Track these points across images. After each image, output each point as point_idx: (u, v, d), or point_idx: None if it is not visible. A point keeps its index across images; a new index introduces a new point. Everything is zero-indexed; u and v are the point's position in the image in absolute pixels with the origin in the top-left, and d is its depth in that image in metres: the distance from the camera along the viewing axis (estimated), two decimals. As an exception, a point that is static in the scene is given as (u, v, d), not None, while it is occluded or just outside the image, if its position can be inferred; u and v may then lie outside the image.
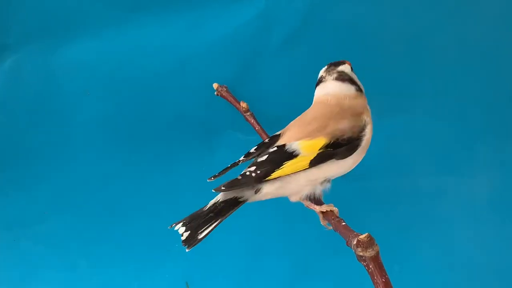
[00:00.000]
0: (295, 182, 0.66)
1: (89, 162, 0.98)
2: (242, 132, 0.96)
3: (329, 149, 0.65)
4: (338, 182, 0.94)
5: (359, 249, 0.52)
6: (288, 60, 0.92)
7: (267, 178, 0.65)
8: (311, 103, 0.75)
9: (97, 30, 0.93)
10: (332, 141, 0.65)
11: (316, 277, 0.94)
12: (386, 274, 0.51)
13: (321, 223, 0.68)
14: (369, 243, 0.52)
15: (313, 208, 0.69)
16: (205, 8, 0.92)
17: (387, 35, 0.92)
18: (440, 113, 0.93)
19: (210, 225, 0.65)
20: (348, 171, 0.70)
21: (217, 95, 0.94)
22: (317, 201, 0.70)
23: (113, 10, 0.92)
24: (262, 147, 0.70)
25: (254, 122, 0.89)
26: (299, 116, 0.74)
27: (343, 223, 0.63)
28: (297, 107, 0.75)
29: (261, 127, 0.87)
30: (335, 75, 0.72)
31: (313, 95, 0.76)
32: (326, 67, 0.75)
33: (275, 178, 0.65)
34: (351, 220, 0.63)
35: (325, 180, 0.68)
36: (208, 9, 0.92)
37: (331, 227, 0.66)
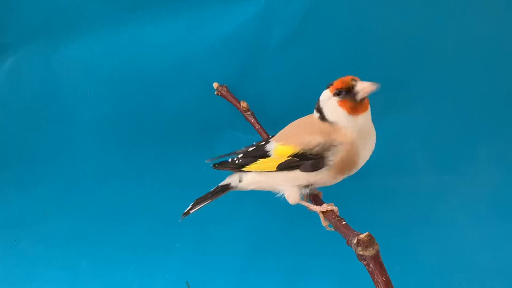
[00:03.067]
0: (271, 179, 0.70)
1: (89, 162, 0.99)
2: (242, 131, 0.96)
3: (295, 158, 0.67)
4: (338, 182, 0.94)
5: (360, 248, 0.52)
6: (288, 60, 0.92)
7: (242, 169, 0.71)
8: (311, 103, 0.75)
9: (97, 29, 0.93)
10: (300, 152, 0.66)
11: (317, 277, 0.94)
12: (387, 273, 0.51)
13: (322, 223, 0.68)
14: (370, 242, 0.52)
15: (314, 209, 0.69)
16: (205, 8, 0.92)
17: (387, 34, 0.91)
18: (441, 112, 0.93)
19: (202, 203, 0.74)
20: (325, 184, 0.69)
21: (217, 94, 0.94)
22: (318, 201, 0.72)
23: (113, 9, 0.92)
24: (258, 142, 0.75)
25: (254, 122, 0.89)
26: (300, 119, 0.74)
27: (344, 222, 0.63)
28: (296, 107, 0.75)
29: (261, 126, 0.88)
30: (316, 104, 0.70)
31: (312, 94, 0.75)
32: None
33: (253, 171, 0.70)
34: (352, 219, 0.63)
35: (300, 185, 0.69)
36: (208, 9, 0.92)
37: (332, 229, 0.66)
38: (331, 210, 0.67)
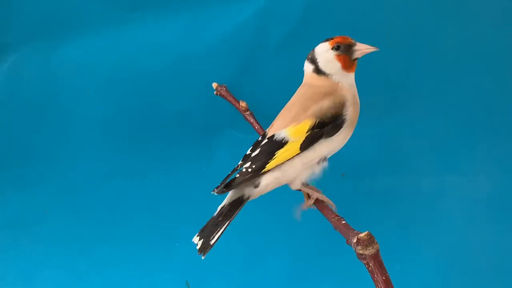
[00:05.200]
0: (292, 169, 0.68)
1: (89, 161, 0.98)
2: (241, 131, 0.96)
3: (316, 130, 0.66)
4: (338, 180, 0.94)
5: (359, 247, 0.52)
6: (287, 59, 0.92)
7: (263, 171, 0.66)
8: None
9: (97, 29, 0.93)
10: (317, 122, 0.66)
11: (316, 276, 0.94)
12: (386, 272, 0.51)
13: (303, 206, 0.71)
14: (369, 241, 0.52)
15: (310, 192, 0.70)
16: (204, 7, 0.92)
17: (386, 33, 0.92)
18: (440, 111, 0.93)
19: (220, 229, 0.67)
20: (341, 146, 0.71)
21: (217, 94, 0.94)
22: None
23: (113, 9, 0.92)
24: (255, 145, 0.71)
25: (254, 121, 0.89)
26: (285, 106, 0.74)
27: (343, 222, 0.63)
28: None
29: (260, 126, 0.87)
30: (309, 55, 0.73)
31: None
32: None
33: (270, 169, 0.66)
34: (351, 218, 0.63)
35: (320, 159, 0.69)
36: (207, 8, 0.92)
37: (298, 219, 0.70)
38: (327, 205, 0.69)
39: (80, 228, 0.99)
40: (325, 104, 0.67)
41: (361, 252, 0.52)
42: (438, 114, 0.93)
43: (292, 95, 0.75)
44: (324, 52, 0.70)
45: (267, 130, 0.73)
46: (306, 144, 0.66)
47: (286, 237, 0.96)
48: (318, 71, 0.71)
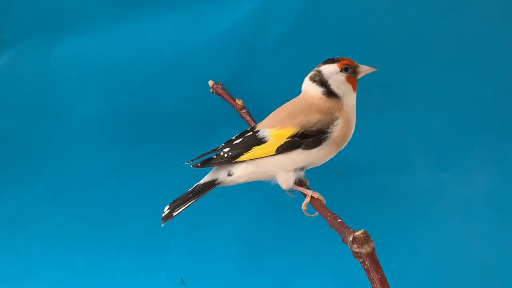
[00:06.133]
0: (264, 167, 0.70)
1: (85, 159, 0.98)
2: (238, 129, 0.96)
3: (296, 138, 0.68)
4: (334, 179, 0.94)
5: (355, 246, 0.52)
6: (284, 57, 0.92)
7: (235, 160, 0.70)
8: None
9: (93, 26, 0.93)
10: (300, 132, 0.68)
11: (312, 274, 0.94)
12: (382, 271, 0.51)
13: (303, 207, 0.71)
14: (365, 239, 0.52)
15: (304, 191, 0.71)
16: (201, 5, 0.92)
17: (383, 31, 0.92)
18: (436, 109, 0.94)
19: (186, 204, 0.72)
20: (320, 163, 0.72)
21: (213, 92, 0.94)
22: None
23: (109, 7, 0.92)
24: (241, 134, 0.74)
25: (250, 119, 0.89)
26: (278, 108, 0.75)
27: (339, 220, 0.63)
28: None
29: (256, 124, 0.87)
30: (311, 73, 0.73)
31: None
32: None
33: (244, 161, 0.70)
34: (347, 216, 0.63)
35: (297, 168, 0.70)
36: (203, 6, 0.92)
37: (312, 215, 0.70)
38: (320, 201, 0.70)
39: (76, 226, 0.99)
40: (315, 118, 0.69)
41: (357, 250, 0.52)
42: (434, 113, 0.94)
43: (288, 93, 0.75)
44: (335, 74, 0.71)
45: (259, 123, 0.75)
46: (283, 149, 0.68)
47: (282, 235, 0.96)
48: (330, 93, 0.71)
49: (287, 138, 0.68)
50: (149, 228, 0.97)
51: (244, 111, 0.90)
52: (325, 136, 0.68)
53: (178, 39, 0.94)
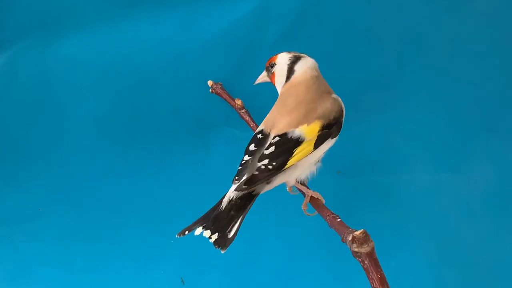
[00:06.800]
0: (301, 167, 0.69)
1: (83, 159, 0.98)
2: (237, 129, 0.96)
3: (325, 130, 0.68)
4: (333, 178, 0.94)
5: (354, 245, 0.52)
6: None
7: (284, 168, 0.65)
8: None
9: (92, 26, 0.93)
10: (326, 123, 0.68)
11: (311, 273, 0.94)
12: (382, 270, 0.51)
13: (302, 206, 0.71)
14: (364, 239, 0.52)
15: (305, 190, 0.71)
16: (200, 4, 0.92)
17: (382, 30, 0.92)
18: (435, 109, 0.94)
19: (236, 223, 0.65)
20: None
21: (212, 92, 0.94)
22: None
23: (108, 6, 0.92)
24: (260, 142, 0.69)
25: (249, 119, 0.89)
26: (277, 104, 0.75)
27: (338, 219, 0.63)
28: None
29: (256, 124, 0.87)
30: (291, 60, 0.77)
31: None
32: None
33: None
34: (346, 216, 0.63)
35: (318, 160, 0.71)
36: (202, 5, 0.92)
37: (312, 214, 0.70)
38: (320, 201, 0.70)
39: (75, 225, 0.98)
40: (329, 106, 0.70)
41: (356, 250, 0.52)
42: (433, 112, 0.94)
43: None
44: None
45: (264, 127, 0.71)
46: (318, 144, 0.67)
47: (281, 235, 0.96)
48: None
49: (318, 132, 0.67)
50: (148, 227, 0.97)
51: (243, 111, 0.90)
52: (342, 120, 0.71)
53: (177, 39, 0.94)
